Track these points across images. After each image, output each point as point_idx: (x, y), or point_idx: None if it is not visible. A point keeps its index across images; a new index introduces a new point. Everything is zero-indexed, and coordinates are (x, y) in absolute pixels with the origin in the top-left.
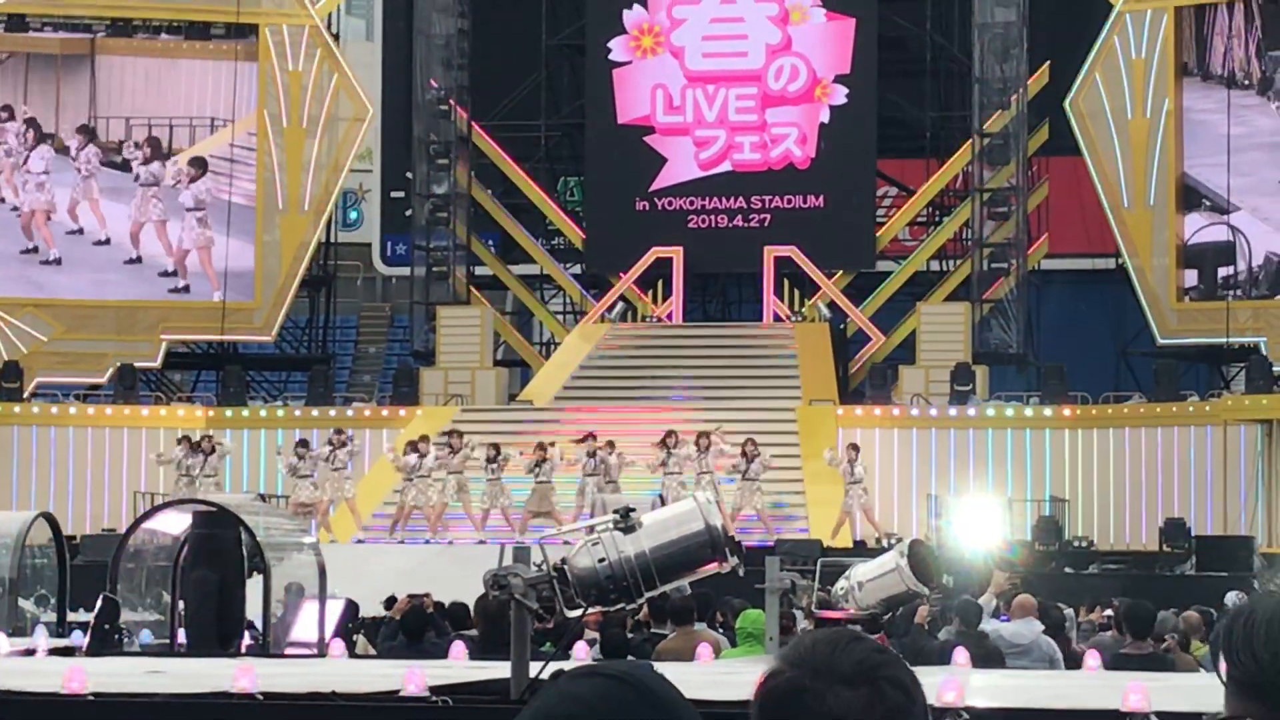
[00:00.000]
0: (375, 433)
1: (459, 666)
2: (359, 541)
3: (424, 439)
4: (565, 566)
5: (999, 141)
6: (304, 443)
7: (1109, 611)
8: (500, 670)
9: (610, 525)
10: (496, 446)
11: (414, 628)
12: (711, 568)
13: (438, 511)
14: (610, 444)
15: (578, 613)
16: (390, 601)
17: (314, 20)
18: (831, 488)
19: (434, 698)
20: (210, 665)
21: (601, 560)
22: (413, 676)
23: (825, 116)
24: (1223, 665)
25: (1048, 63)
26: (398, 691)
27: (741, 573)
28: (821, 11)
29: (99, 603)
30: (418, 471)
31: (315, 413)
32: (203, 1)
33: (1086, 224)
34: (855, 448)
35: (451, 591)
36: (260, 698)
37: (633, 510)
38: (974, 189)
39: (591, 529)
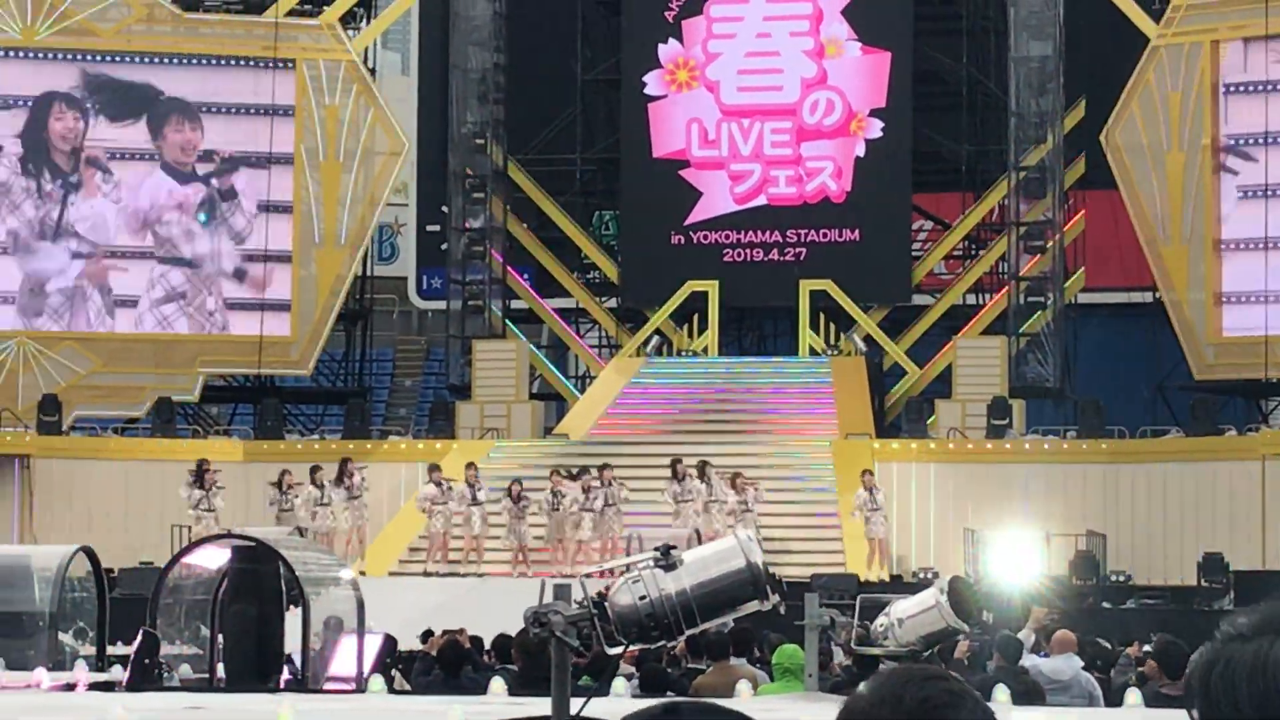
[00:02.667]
0: (410, 466)
1: (498, 702)
2: (360, 573)
3: (437, 468)
4: (605, 604)
5: (1035, 175)
6: (286, 473)
7: (1147, 647)
8: (540, 707)
9: (651, 563)
10: (519, 482)
11: (451, 662)
12: (752, 606)
13: (477, 543)
14: (606, 467)
15: (618, 650)
16: (426, 635)
17: (350, 55)
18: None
19: None
20: (250, 701)
21: (643, 598)
22: (454, 712)
23: (861, 150)
24: (1195, 715)
25: (1084, 97)
26: None
27: (783, 610)
28: (857, 45)
29: (139, 637)
30: (438, 502)
31: (351, 445)
32: (240, 37)
33: (1123, 258)
34: (869, 473)
35: (484, 625)
36: None
37: (673, 547)
38: (1010, 223)
39: (631, 566)
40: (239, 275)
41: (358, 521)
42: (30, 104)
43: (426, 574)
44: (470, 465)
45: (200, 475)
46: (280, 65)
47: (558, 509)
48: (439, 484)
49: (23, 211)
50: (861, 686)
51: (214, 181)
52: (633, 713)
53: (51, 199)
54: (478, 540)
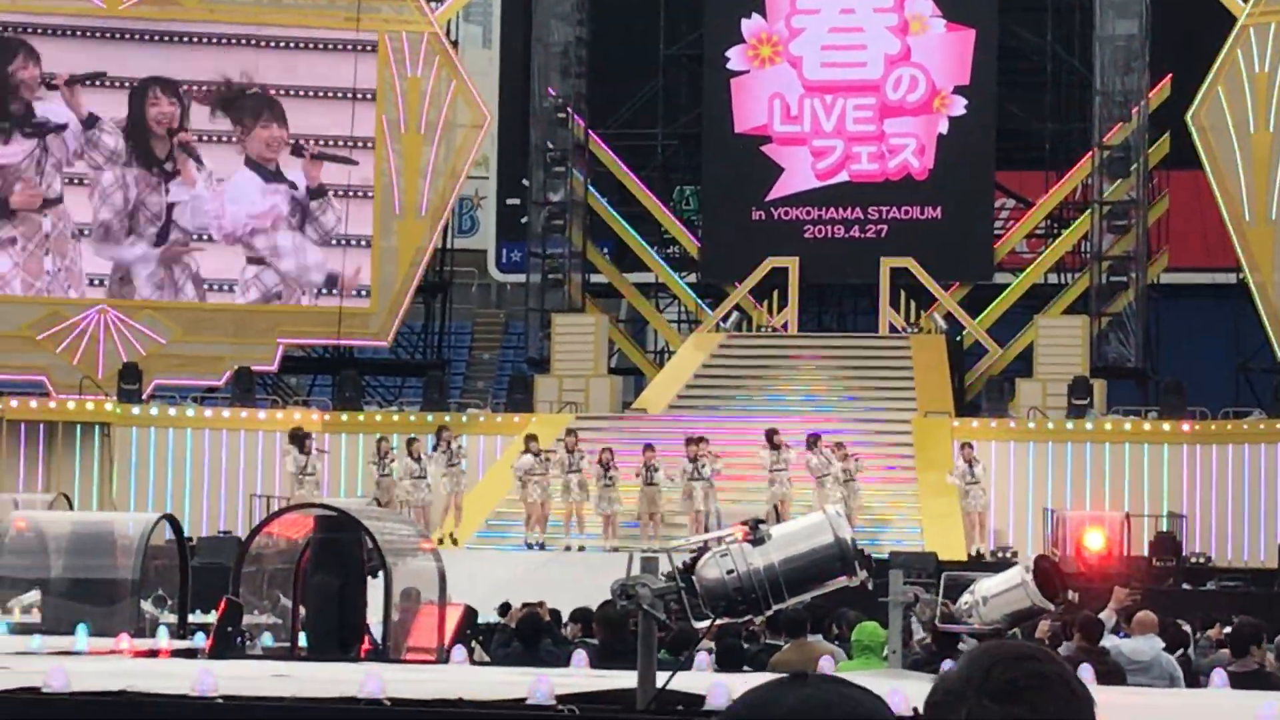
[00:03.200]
0: (489, 439)
1: (581, 675)
2: (452, 540)
3: (534, 438)
4: (693, 577)
5: (1119, 154)
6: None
7: (1228, 629)
8: (625, 680)
9: (739, 536)
10: (611, 451)
11: (530, 635)
12: (840, 581)
13: (574, 510)
14: (713, 454)
15: (705, 624)
16: (505, 608)
17: (433, 27)
18: (946, 500)
19: (560, 706)
20: (334, 670)
21: (730, 572)
22: (539, 684)
23: (944, 127)
24: None
25: (1169, 75)
26: (524, 699)
27: (870, 586)
28: (941, 22)
29: (222, 605)
30: (535, 472)
31: (430, 418)
32: (322, 8)
33: (1207, 238)
34: (970, 445)
35: (562, 598)
36: (388, 703)
37: (762, 521)
38: (1093, 201)
39: (720, 540)
40: (331, 283)
41: (455, 489)
42: (130, 86)
43: (528, 545)
44: (571, 433)
45: (301, 441)
46: (360, 47)
47: (652, 482)
48: (536, 454)
49: (118, 198)
50: (956, 663)
51: (304, 182)
52: (761, 684)
53: (148, 186)
54: (577, 506)
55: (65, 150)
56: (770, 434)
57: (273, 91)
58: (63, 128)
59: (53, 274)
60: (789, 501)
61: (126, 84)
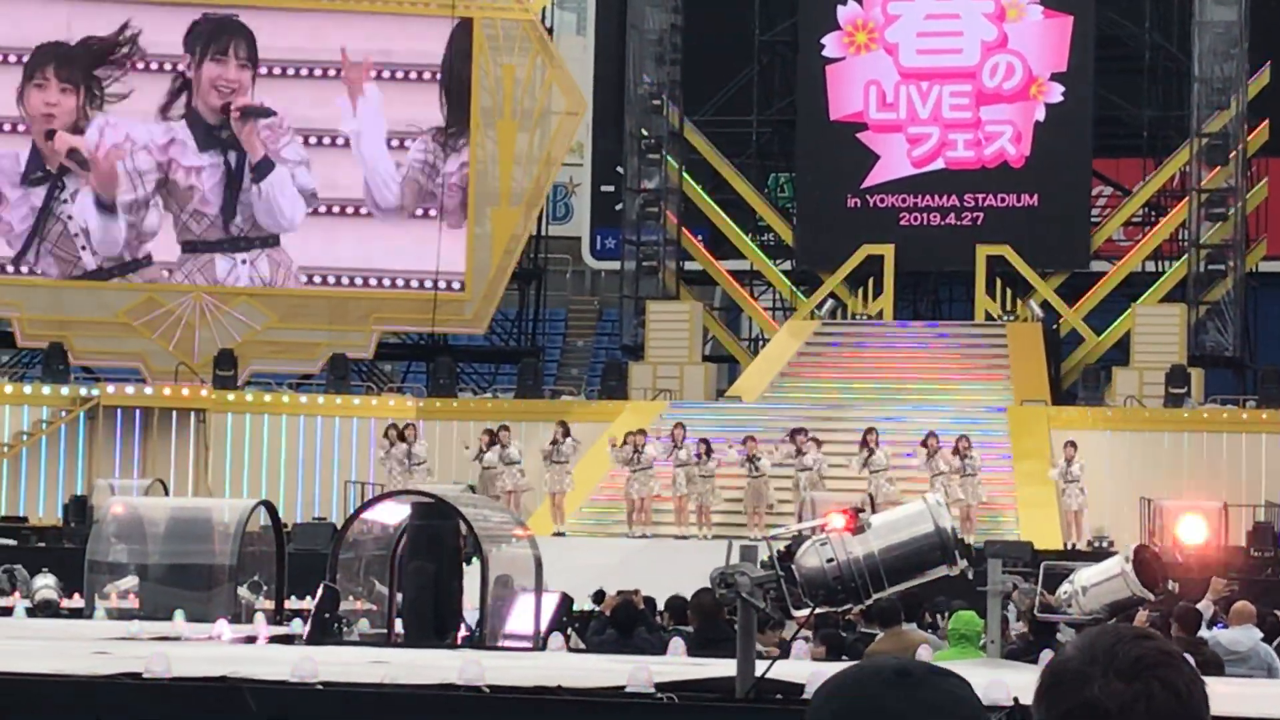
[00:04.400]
0: (583, 426)
1: (679, 663)
2: (558, 534)
3: (641, 432)
4: (793, 566)
5: (1218, 142)
6: (501, 429)
7: None
8: (722, 668)
9: (839, 526)
10: (707, 442)
11: (625, 623)
12: (940, 570)
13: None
14: (816, 441)
15: (804, 613)
16: (599, 596)
17: (528, 14)
18: (1041, 489)
19: (659, 694)
20: (431, 656)
21: (830, 560)
22: (638, 672)
23: (1040, 115)
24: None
25: (1269, 62)
26: (623, 687)
27: (970, 575)
28: (1039, 9)
29: (319, 591)
30: (636, 465)
31: (524, 405)
32: None
33: None
34: (1073, 445)
35: (656, 586)
36: (487, 690)
37: (861, 510)
38: (1191, 189)
39: (819, 528)
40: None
41: (559, 486)
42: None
43: (643, 537)
44: (679, 425)
45: (401, 433)
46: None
47: (756, 473)
48: (636, 446)
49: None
50: (1069, 645)
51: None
52: (862, 670)
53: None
54: (683, 500)
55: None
56: (866, 433)
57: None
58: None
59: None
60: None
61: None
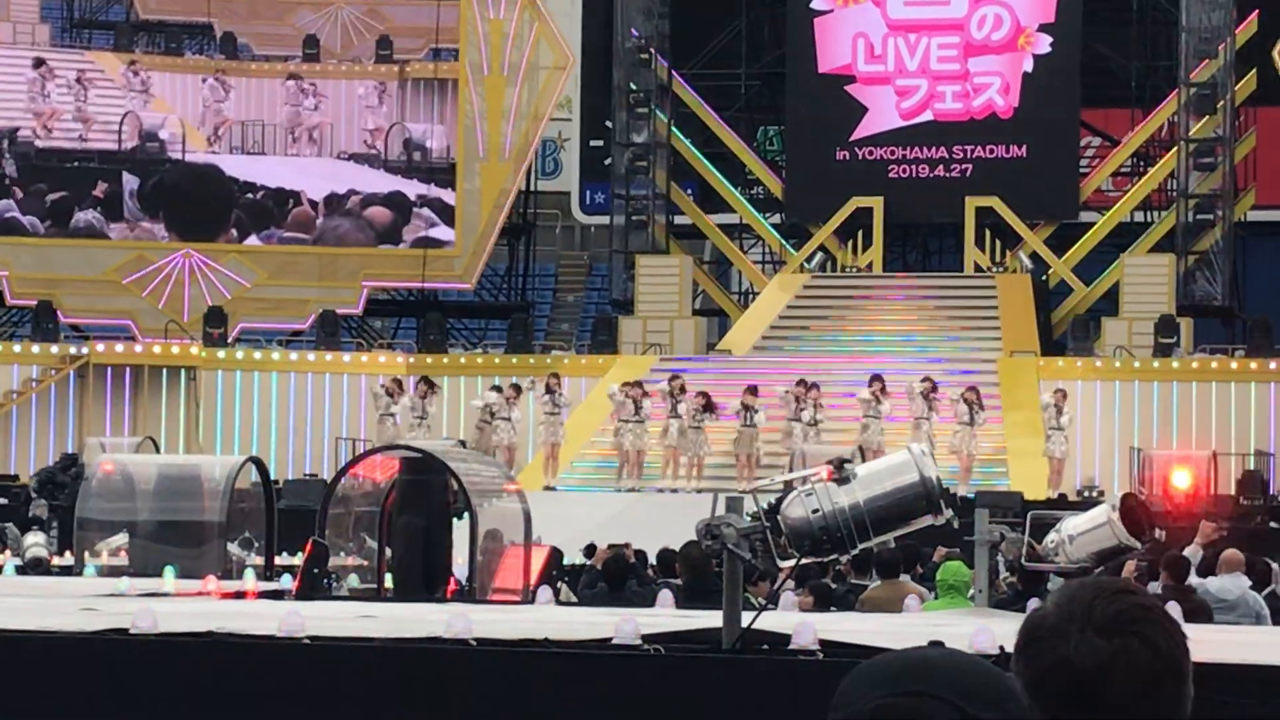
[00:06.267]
0: (574, 381)
1: (666, 615)
2: (549, 489)
3: (638, 385)
4: (778, 517)
5: (1206, 91)
6: (498, 388)
7: None
8: (709, 619)
9: (823, 476)
10: (706, 395)
11: (615, 576)
12: (926, 520)
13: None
14: (815, 386)
15: (790, 564)
16: (590, 550)
17: None
18: (1032, 439)
19: (646, 646)
20: (420, 610)
21: (815, 511)
22: (625, 624)
23: (1028, 66)
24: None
25: (1256, 11)
26: (610, 639)
27: (956, 525)
28: None
29: (308, 547)
30: (633, 417)
31: (514, 360)
32: None
33: None
34: (1062, 393)
35: (647, 540)
36: (474, 643)
37: (847, 460)
38: (1180, 139)
39: (805, 479)
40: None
41: (554, 437)
42: None
43: (633, 490)
44: (676, 377)
45: (425, 386)
46: None
47: (750, 424)
48: (635, 400)
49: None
50: (1048, 600)
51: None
52: (891, 654)
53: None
54: (675, 452)
55: None
56: (873, 379)
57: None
58: None
59: None
60: (882, 450)
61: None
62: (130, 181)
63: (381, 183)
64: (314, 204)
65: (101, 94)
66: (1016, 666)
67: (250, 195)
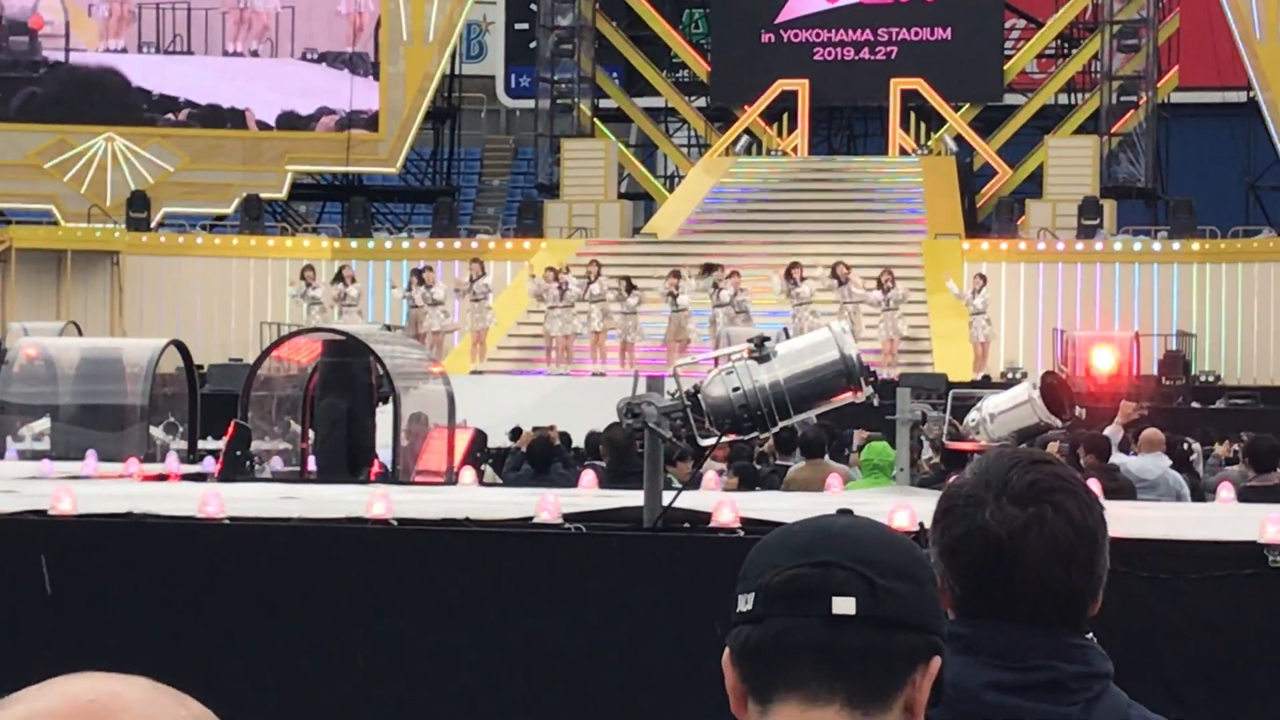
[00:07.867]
0: (499, 265)
1: (589, 495)
2: (475, 373)
3: (565, 270)
4: (699, 395)
5: None
6: (426, 270)
7: (1237, 446)
8: (632, 499)
9: (744, 354)
10: (629, 279)
11: (540, 458)
12: (846, 397)
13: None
14: (735, 274)
15: (710, 441)
16: (516, 433)
17: None
18: (956, 322)
19: (567, 525)
20: (343, 492)
21: (736, 389)
22: (546, 504)
23: None
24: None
25: None
26: (531, 518)
27: (876, 402)
28: None
29: (231, 429)
30: (559, 302)
31: (440, 245)
32: None
33: (1218, 57)
34: (982, 278)
35: (573, 423)
36: (395, 523)
37: (767, 339)
38: (1104, 21)
39: (726, 358)
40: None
41: (481, 324)
42: None
43: (563, 375)
44: (593, 263)
45: (340, 276)
46: None
47: (679, 309)
48: (562, 286)
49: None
50: (966, 471)
51: None
52: (797, 524)
53: None
54: (599, 335)
55: None
56: (790, 268)
57: None
58: None
59: None
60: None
61: None
62: None
63: (308, 74)
64: (264, 126)
65: None
66: (933, 535)
67: (170, 115)
